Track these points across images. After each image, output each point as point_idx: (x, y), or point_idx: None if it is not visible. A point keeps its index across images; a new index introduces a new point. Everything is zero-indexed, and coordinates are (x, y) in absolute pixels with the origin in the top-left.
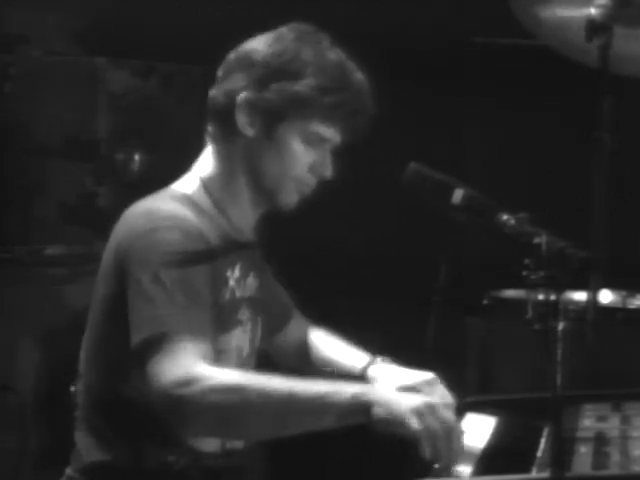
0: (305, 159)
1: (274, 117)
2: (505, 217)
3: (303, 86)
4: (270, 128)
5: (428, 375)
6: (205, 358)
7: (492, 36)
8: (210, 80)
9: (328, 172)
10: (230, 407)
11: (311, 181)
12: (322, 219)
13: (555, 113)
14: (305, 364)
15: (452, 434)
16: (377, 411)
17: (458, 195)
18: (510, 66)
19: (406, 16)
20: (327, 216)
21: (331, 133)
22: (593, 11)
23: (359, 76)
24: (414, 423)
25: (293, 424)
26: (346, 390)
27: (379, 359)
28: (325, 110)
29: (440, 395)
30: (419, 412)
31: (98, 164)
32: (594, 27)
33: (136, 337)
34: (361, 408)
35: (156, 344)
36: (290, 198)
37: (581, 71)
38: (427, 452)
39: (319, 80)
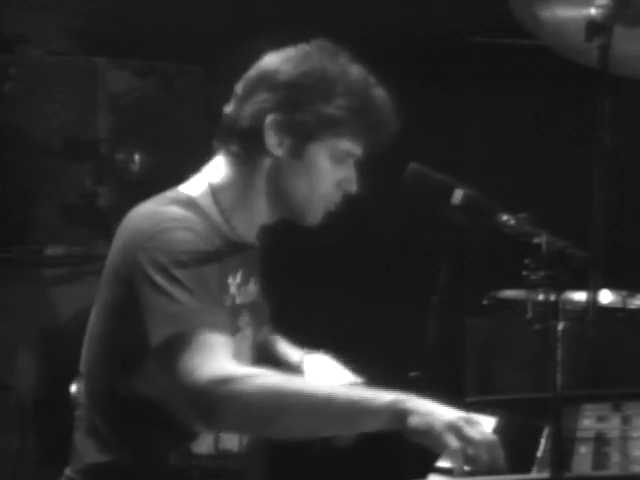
0: (333, 176)
1: (305, 137)
2: (505, 217)
3: (334, 107)
4: (300, 148)
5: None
6: (229, 351)
7: (492, 36)
8: (210, 80)
9: (354, 187)
10: (267, 406)
11: (337, 197)
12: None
13: (555, 113)
14: (262, 360)
15: (493, 443)
16: (413, 420)
17: (458, 195)
18: (510, 66)
19: (406, 16)
20: (326, 216)
21: (356, 149)
22: (593, 11)
23: (381, 91)
24: (451, 440)
25: (328, 426)
26: (383, 397)
27: (315, 351)
28: (353, 128)
29: None
30: (455, 427)
31: (98, 164)
32: (594, 27)
33: (159, 334)
34: (397, 416)
35: (184, 340)
36: (317, 215)
37: (581, 71)
38: (465, 465)
39: (348, 100)
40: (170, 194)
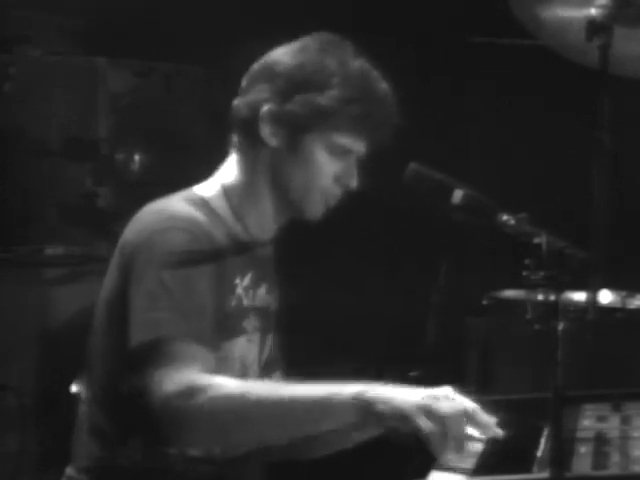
0: (330, 170)
1: (297, 128)
2: (505, 217)
3: (327, 98)
4: (294, 139)
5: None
6: (204, 365)
7: (492, 36)
8: (210, 80)
9: (354, 182)
10: (230, 420)
11: (337, 192)
12: (319, 220)
13: (555, 113)
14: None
15: (460, 415)
16: (380, 408)
17: (458, 195)
18: (510, 66)
19: (406, 16)
20: (325, 217)
21: (355, 144)
22: (593, 11)
23: (383, 86)
24: (424, 422)
25: (295, 429)
26: (347, 390)
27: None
28: (349, 121)
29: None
30: (426, 407)
31: (98, 164)
32: (594, 27)
33: (135, 338)
34: (363, 407)
35: (155, 348)
36: (316, 209)
37: (581, 71)
38: (438, 448)
39: (343, 91)
40: (183, 193)
